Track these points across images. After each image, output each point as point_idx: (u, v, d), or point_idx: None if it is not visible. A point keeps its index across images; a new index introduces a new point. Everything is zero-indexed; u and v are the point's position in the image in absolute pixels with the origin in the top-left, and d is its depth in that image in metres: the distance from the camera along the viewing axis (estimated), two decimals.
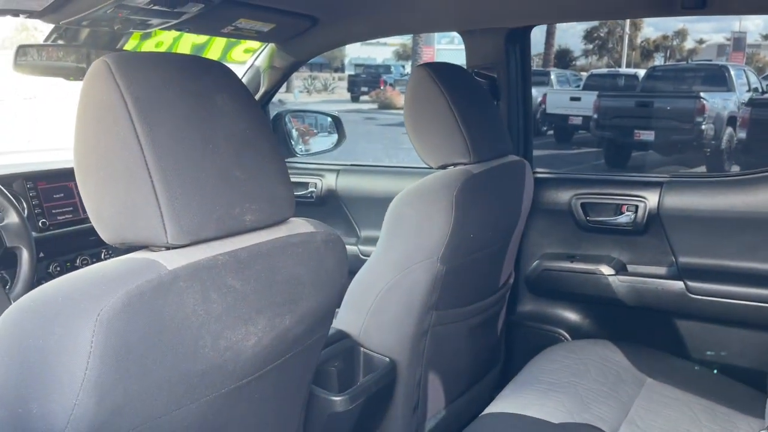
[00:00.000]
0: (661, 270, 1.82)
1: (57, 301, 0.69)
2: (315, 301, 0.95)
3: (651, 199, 1.80)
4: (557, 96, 11.63)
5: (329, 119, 2.80)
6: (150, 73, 0.79)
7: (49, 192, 1.73)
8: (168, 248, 0.77)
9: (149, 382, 0.72)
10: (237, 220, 0.83)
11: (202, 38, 2.06)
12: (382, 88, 19.92)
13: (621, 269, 1.86)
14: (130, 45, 1.78)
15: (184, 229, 0.77)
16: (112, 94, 0.76)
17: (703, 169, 8.53)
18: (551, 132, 11.62)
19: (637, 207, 1.82)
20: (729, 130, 8.92)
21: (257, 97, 2.27)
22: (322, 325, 1.03)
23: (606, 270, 1.85)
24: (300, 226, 0.94)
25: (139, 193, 0.75)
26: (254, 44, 2.16)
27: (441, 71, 1.49)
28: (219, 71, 0.88)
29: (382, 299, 1.43)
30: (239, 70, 2.25)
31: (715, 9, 1.43)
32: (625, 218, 1.85)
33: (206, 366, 0.79)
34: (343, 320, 1.48)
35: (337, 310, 1.38)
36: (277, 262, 0.87)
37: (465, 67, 1.94)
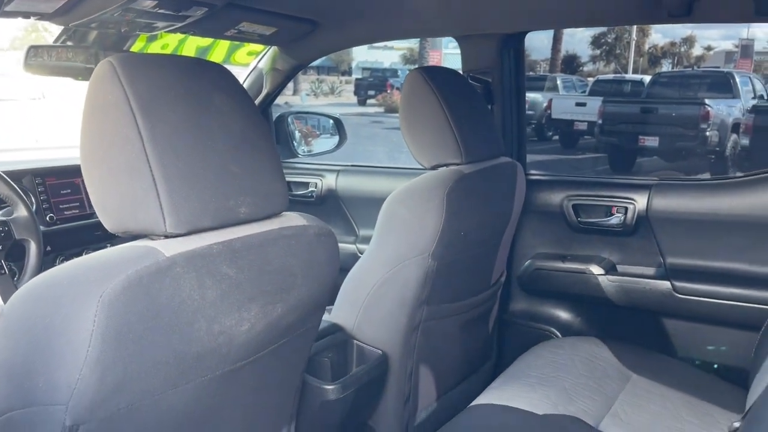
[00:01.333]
0: (650, 270, 1.86)
1: (62, 284, 0.75)
2: (306, 291, 1.00)
3: (640, 201, 1.84)
4: (563, 101, 11.62)
5: (331, 121, 2.85)
6: (152, 74, 0.84)
7: (56, 188, 1.79)
8: (167, 237, 0.83)
9: (147, 361, 0.77)
10: (232, 211, 0.88)
11: (206, 41, 2.11)
12: (388, 91, 19.92)
13: (611, 269, 1.91)
14: (136, 47, 1.83)
15: (182, 219, 0.82)
16: (116, 93, 0.81)
17: (707, 175, 8.54)
18: (557, 137, 11.64)
19: (626, 209, 1.86)
20: (733, 136, 8.93)
21: (260, 98, 2.33)
22: (314, 316, 1.08)
23: (596, 270, 1.89)
24: (293, 219, 0.99)
25: (140, 185, 0.80)
26: (257, 47, 2.21)
27: (435, 75, 1.54)
28: (217, 72, 0.94)
29: (375, 294, 1.48)
30: (242, 73, 2.30)
31: (700, 17, 1.48)
32: (615, 220, 1.89)
33: (201, 349, 0.84)
34: (338, 314, 1.53)
35: (329, 307, 1.43)
36: (270, 252, 0.92)
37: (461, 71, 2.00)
